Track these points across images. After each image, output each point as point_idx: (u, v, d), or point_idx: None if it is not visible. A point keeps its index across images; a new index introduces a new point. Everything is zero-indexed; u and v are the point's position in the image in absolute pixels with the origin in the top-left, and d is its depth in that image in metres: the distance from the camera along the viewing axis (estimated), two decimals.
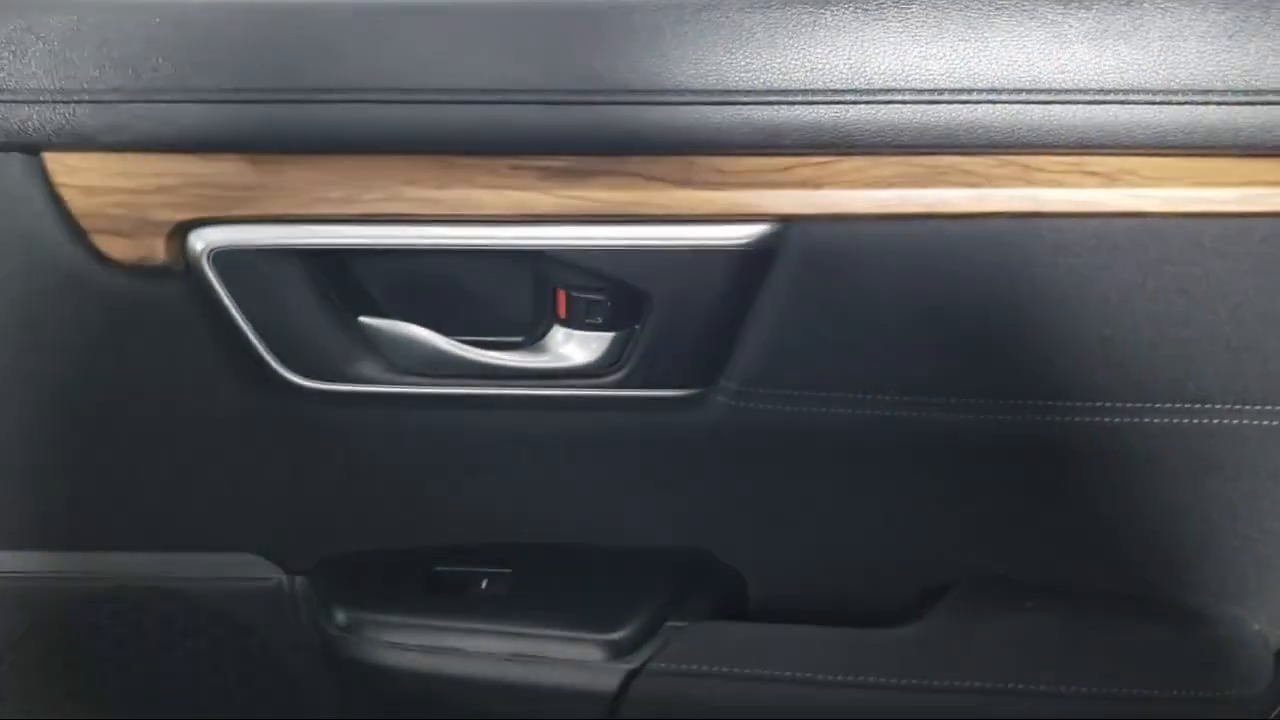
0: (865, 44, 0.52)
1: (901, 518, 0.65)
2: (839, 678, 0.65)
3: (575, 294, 0.61)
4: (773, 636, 0.67)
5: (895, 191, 0.55)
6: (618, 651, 0.65)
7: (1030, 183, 0.55)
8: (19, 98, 0.55)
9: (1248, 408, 0.59)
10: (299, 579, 0.68)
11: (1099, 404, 0.59)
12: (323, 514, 0.67)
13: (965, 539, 0.66)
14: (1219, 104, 0.52)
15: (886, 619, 0.68)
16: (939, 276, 0.56)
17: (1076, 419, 0.60)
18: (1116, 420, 0.59)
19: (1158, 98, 0.52)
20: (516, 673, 0.63)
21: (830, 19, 0.53)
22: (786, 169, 0.55)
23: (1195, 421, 0.59)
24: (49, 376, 0.63)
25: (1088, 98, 0.52)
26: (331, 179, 0.57)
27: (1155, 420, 0.59)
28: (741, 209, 0.57)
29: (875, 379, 0.60)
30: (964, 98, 0.53)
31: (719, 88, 0.53)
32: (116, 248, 0.59)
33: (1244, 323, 0.57)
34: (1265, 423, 0.59)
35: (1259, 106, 0.52)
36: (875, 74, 0.52)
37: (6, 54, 0.55)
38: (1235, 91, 0.52)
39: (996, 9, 0.53)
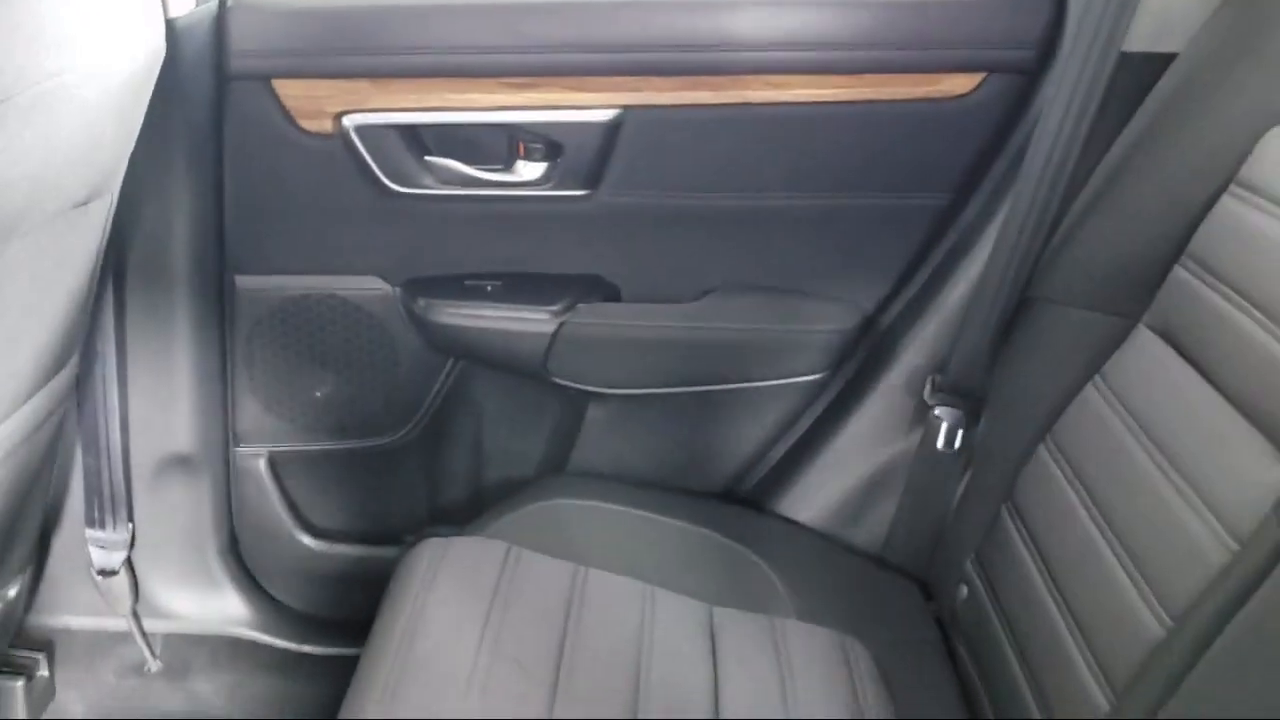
0: None
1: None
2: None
3: (527, 143, 1.26)
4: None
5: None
6: (554, 315, 1.33)
7: None
8: (264, 57, 1.20)
9: None
10: (398, 288, 1.36)
11: None
12: (408, 254, 1.34)
13: None
14: None
15: None
16: None
17: None
18: None
19: None
20: (506, 325, 1.32)
21: None
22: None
23: None
24: (283, 184, 1.28)
25: None
26: (411, 90, 1.21)
27: None
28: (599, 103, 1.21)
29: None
30: None
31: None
32: (308, 125, 1.24)
33: None
34: None
35: None
36: None
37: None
38: None
39: None
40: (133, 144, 1.05)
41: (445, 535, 1.17)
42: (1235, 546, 0.77)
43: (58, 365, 1.15)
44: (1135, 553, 0.87)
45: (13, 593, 1.33)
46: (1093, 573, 0.92)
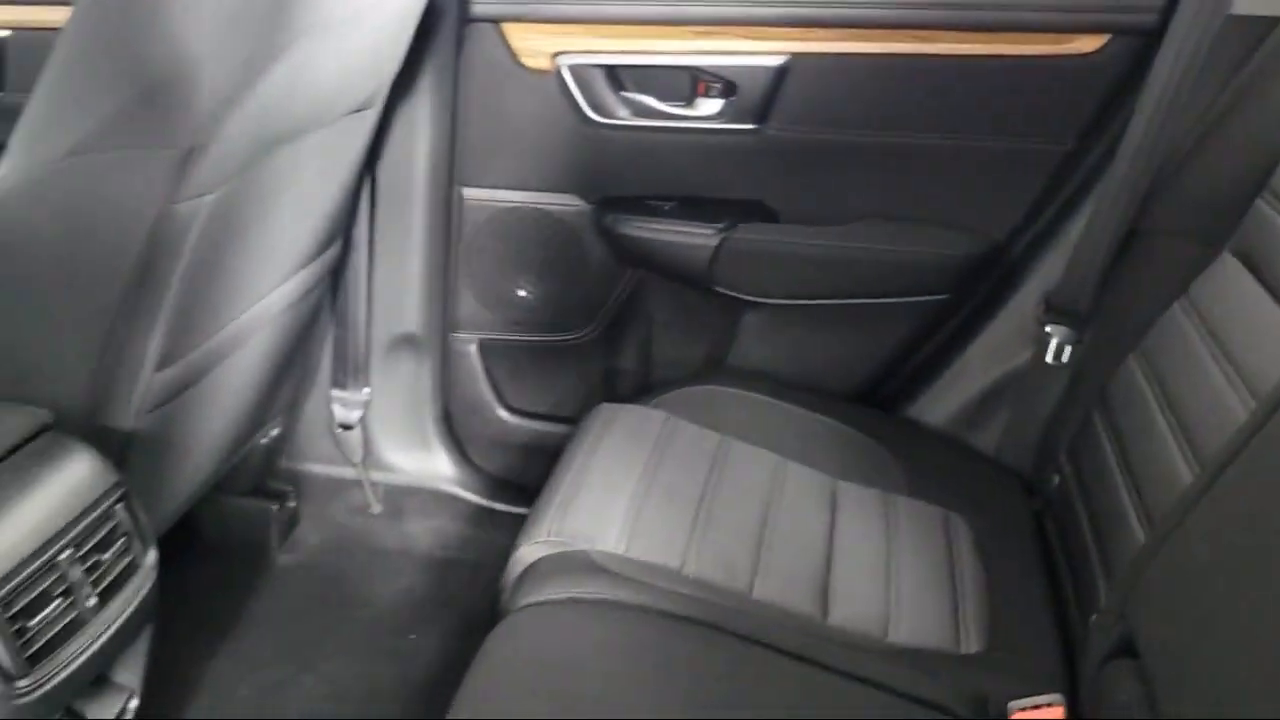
0: None
1: None
2: None
3: (706, 83, 1.49)
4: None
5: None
6: (719, 231, 1.56)
7: None
8: (498, 3, 1.47)
9: None
10: (592, 205, 1.62)
11: None
12: (602, 176, 1.59)
13: None
14: None
15: None
16: None
17: None
18: None
19: None
20: (678, 238, 1.56)
21: None
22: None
23: None
24: (505, 112, 1.55)
25: None
26: (614, 35, 1.46)
27: None
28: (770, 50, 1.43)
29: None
30: None
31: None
32: (529, 63, 1.50)
33: None
34: None
35: None
36: None
37: None
38: None
39: None
40: (398, 67, 1.34)
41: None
42: None
43: (324, 246, 1.46)
44: (1203, 456, 1.00)
45: (275, 433, 1.67)
46: (1165, 472, 1.06)
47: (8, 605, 0.88)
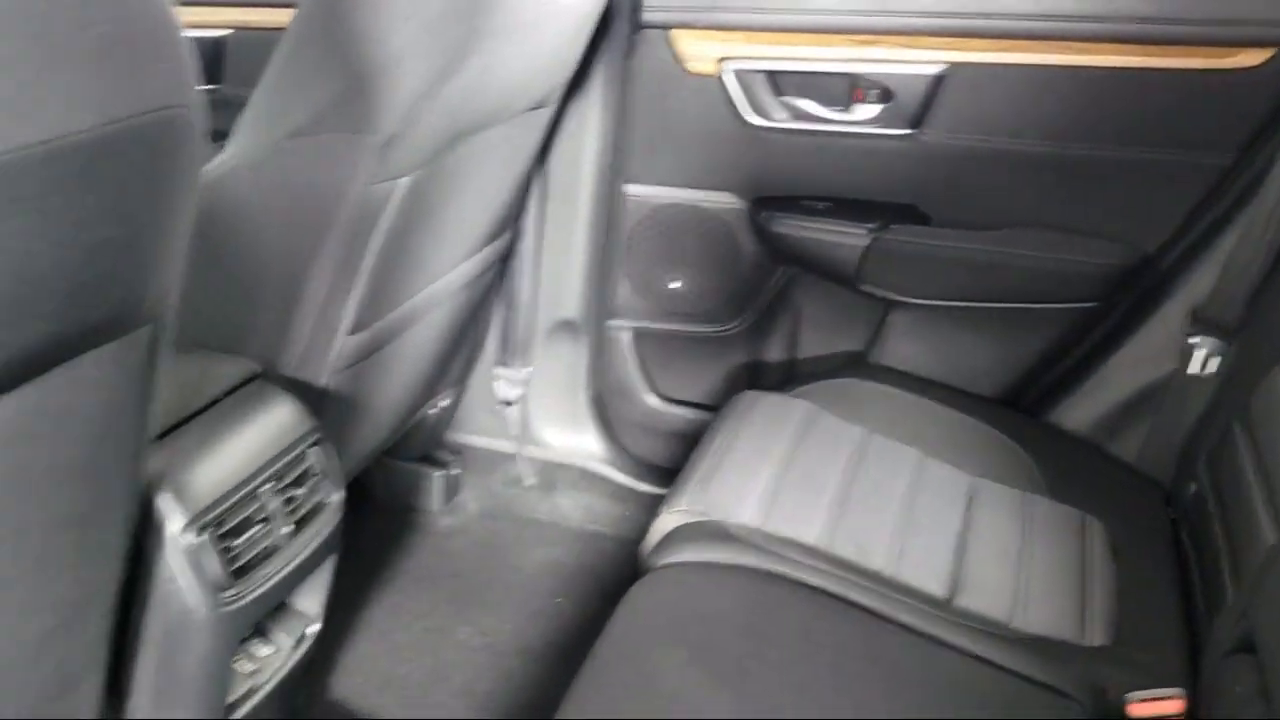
0: None
1: None
2: None
3: (864, 89, 1.55)
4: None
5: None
6: (870, 231, 1.61)
7: None
8: (667, 11, 1.56)
9: None
10: (747, 203, 1.69)
11: None
12: (758, 176, 1.66)
13: None
14: None
15: None
16: None
17: None
18: None
19: None
20: (829, 237, 1.62)
21: None
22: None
23: None
24: (669, 113, 1.65)
25: None
26: (775, 43, 1.54)
27: None
28: (927, 59, 1.48)
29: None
30: None
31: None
32: (694, 67, 1.59)
33: None
34: None
35: None
36: None
37: None
38: None
39: None
40: (573, 68, 1.45)
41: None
42: None
43: (498, 233, 1.58)
44: None
45: (443, 405, 1.80)
46: None
47: (219, 525, 1.02)
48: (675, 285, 1.78)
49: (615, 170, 1.70)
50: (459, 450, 1.92)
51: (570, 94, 1.56)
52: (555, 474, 1.90)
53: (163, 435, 1.03)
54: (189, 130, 0.66)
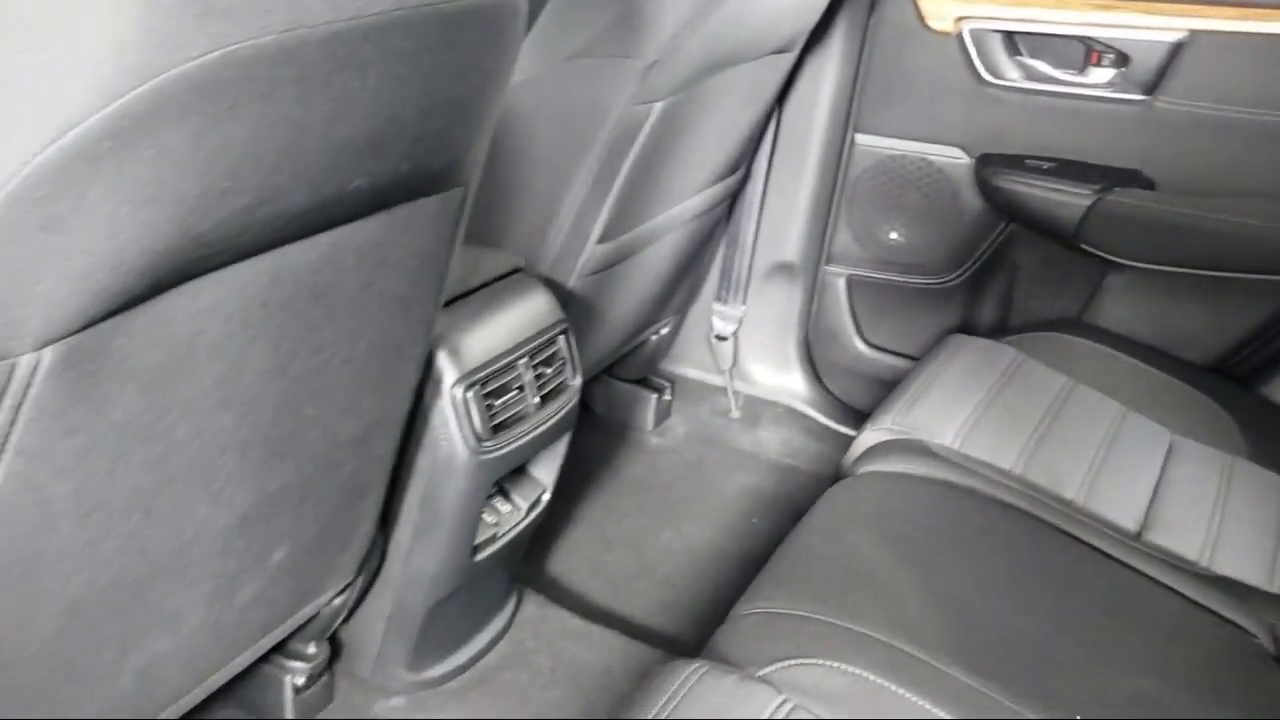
0: None
1: None
2: None
3: (1100, 53, 1.58)
4: None
5: None
6: (1094, 192, 1.65)
7: None
8: None
9: None
10: (974, 159, 1.75)
11: None
12: (987, 133, 1.72)
13: None
14: None
15: None
16: None
17: None
18: None
19: None
20: (1052, 195, 1.66)
21: None
22: None
23: None
24: (905, 68, 1.73)
25: None
26: (1016, 3, 1.59)
27: None
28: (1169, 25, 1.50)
29: None
30: None
31: None
32: (934, 24, 1.66)
33: None
34: None
35: None
36: None
37: None
38: None
39: None
40: (817, 17, 1.55)
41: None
42: None
43: (731, 170, 1.70)
44: None
45: (664, 332, 1.95)
46: None
47: (483, 386, 1.19)
48: (894, 235, 1.85)
49: (847, 119, 1.79)
50: (672, 379, 2.06)
51: (811, 42, 1.66)
52: (760, 409, 2.02)
53: (445, 306, 1.21)
54: (518, 16, 0.80)
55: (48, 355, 0.61)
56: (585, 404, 1.99)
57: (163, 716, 0.97)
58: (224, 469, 0.82)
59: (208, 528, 0.85)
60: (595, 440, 1.94)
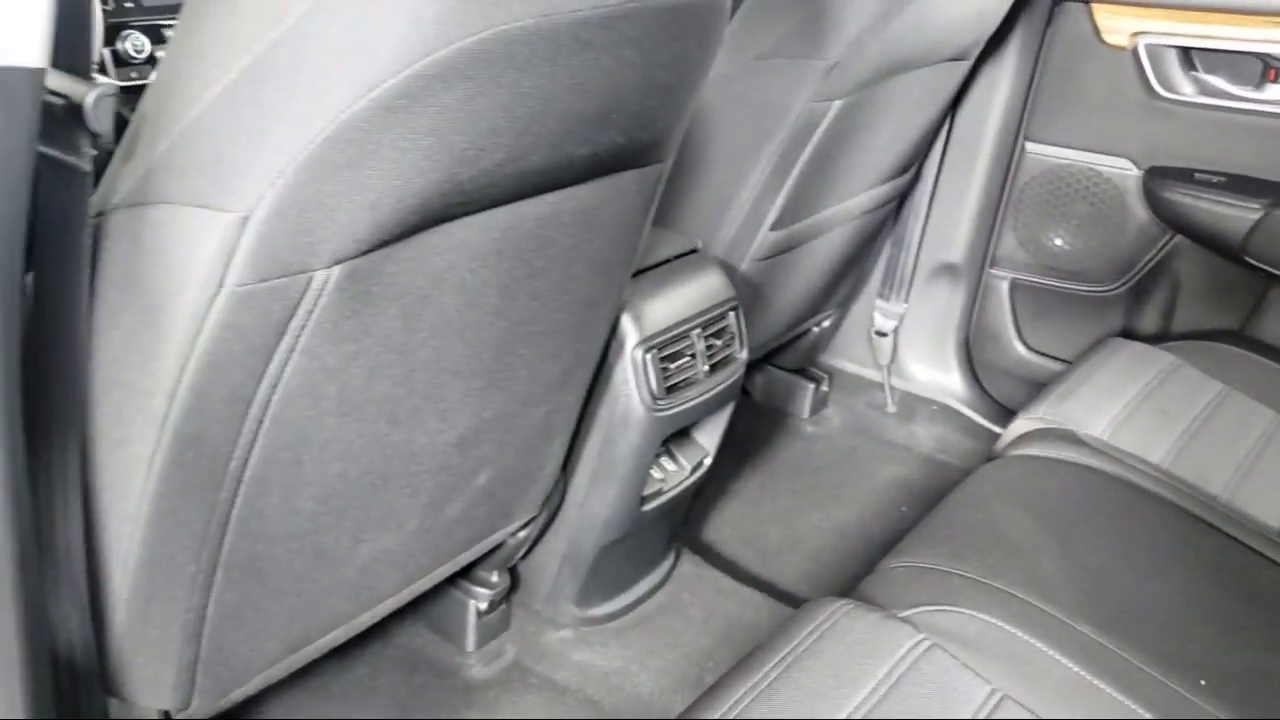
0: None
1: None
2: None
3: (1277, 69, 1.61)
4: None
5: None
6: (1264, 206, 1.67)
7: None
8: None
9: None
10: (1142, 171, 1.79)
11: None
12: (1157, 145, 1.76)
13: None
14: None
15: None
16: None
17: None
18: None
19: None
20: (1219, 209, 1.69)
21: None
22: None
23: None
24: (1080, 81, 1.79)
25: None
26: (1191, 20, 1.63)
27: None
28: None
29: None
30: None
31: None
32: (1110, 39, 1.71)
33: None
34: None
35: None
36: None
37: None
38: None
39: None
40: (994, 27, 1.62)
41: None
42: None
43: (900, 171, 1.79)
44: None
45: (825, 324, 2.04)
46: None
47: (660, 350, 1.31)
48: (1059, 242, 1.90)
49: (1018, 127, 1.85)
50: (830, 371, 2.15)
51: (987, 52, 1.74)
52: (915, 404, 2.09)
53: (632, 276, 1.34)
54: (723, 15, 0.93)
55: (336, 273, 0.76)
56: (745, 389, 2.11)
57: (371, 612, 1.13)
58: (452, 392, 0.97)
59: (433, 442, 1.00)
60: (753, 423, 2.04)
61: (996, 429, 2.00)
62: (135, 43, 1.21)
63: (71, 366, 0.74)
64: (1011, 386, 2.02)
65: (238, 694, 1.02)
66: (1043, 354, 1.98)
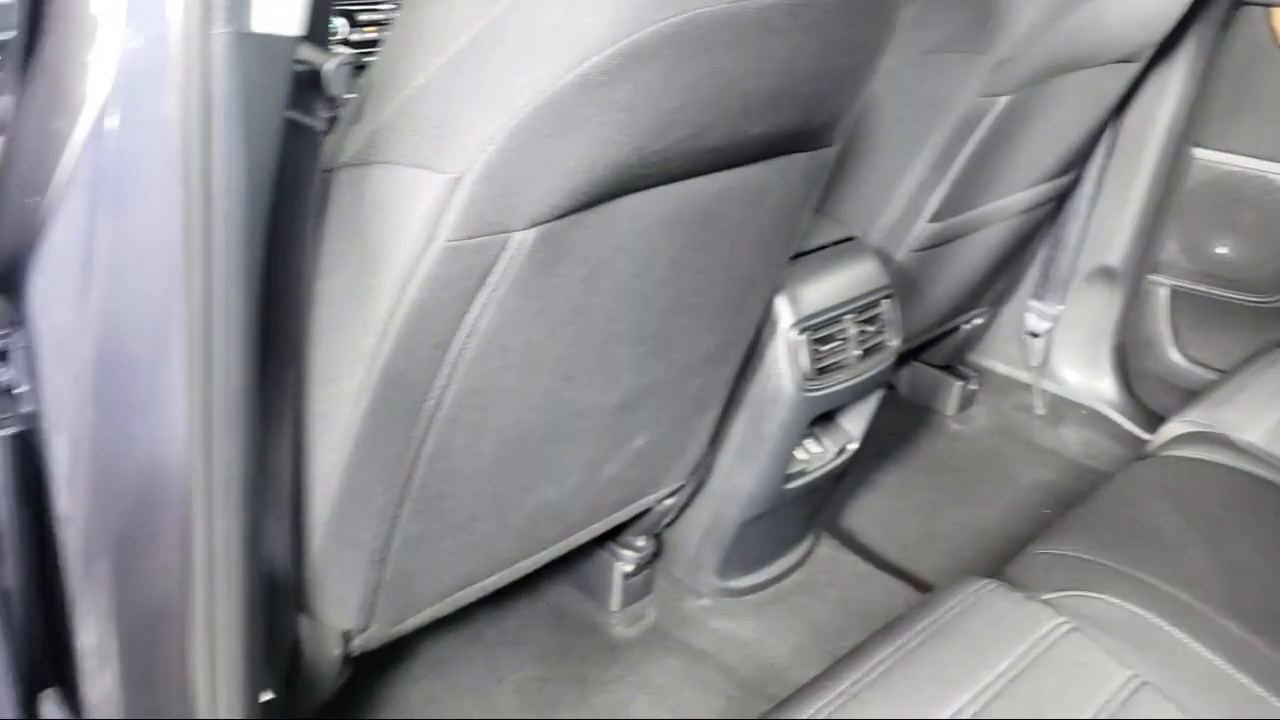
0: None
1: None
2: None
3: None
4: None
5: None
6: None
7: None
8: None
9: None
10: None
11: None
12: None
13: None
14: None
15: None
16: None
17: None
18: None
19: None
20: None
21: None
22: None
23: None
24: (1256, 87, 1.75)
25: None
26: None
27: None
28: None
29: None
30: None
31: None
32: None
33: None
34: None
35: None
36: None
37: None
38: None
39: None
40: (1167, 31, 1.61)
41: None
42: None
43: (1061, 172, 1.78)
44: None
45: (976, 322, 2.04)
46: None
47: (813, 331, 1.36)
48: (1223, 250, 1.86)
49: (1186, 133, 1.82)
50: (979, 370, 2.15)
51: (1158, 55, 1.72)
52: (1065, 409, 2.07)
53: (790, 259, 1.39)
54: (896, 6, 0.97)
55: (531, 234, 0.84)
56: (890, 385, 2.13)
57: (533, 558, 1.21)
58: (619, 355, 1.04)
59: (599, 403, 1.07)
60: (898, 418, 2.06)
61: (1146, 436, 1.97)
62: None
63: (296, 307, 0.83)
64: (1164, 394, 1.98)
65: (410, 623, 1.11)
66: (1198, 363, 1.94)
